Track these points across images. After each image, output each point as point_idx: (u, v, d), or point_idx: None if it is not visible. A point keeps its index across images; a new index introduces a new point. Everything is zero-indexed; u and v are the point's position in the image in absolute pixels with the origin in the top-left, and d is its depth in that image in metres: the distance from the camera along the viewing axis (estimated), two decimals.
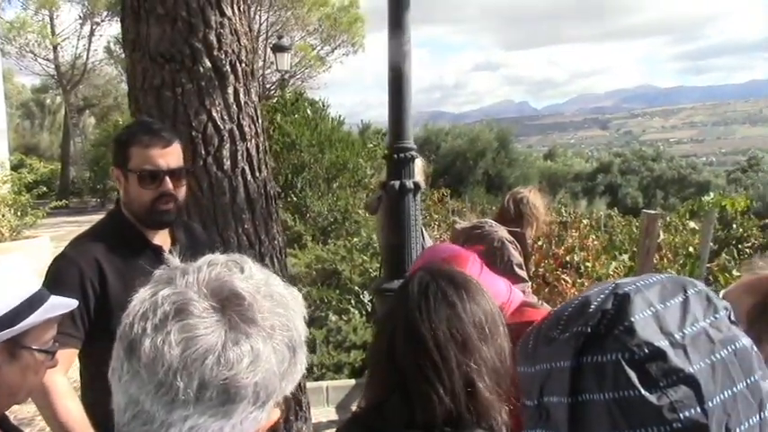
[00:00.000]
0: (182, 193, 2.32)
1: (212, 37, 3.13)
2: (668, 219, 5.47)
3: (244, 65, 3.26)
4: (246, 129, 3.25)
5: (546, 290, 5.99)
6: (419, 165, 5.00)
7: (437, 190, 14.97)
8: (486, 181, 35.32)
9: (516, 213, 3.82)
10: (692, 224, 4.63)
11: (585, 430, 0.76)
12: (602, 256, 6.32)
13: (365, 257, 7.41)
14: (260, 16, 23.26)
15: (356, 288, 6.77)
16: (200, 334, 0.87)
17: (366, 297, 6.65)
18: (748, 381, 0.76)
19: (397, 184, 4.69)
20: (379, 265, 5.87)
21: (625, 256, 6.36)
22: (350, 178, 11.19)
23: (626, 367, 0.73)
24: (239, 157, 3.21)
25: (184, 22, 3.09)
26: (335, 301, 6.50)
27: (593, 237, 7.14)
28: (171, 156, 2.25)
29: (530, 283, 3.96)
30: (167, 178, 2.23)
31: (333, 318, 6.15)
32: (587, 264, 6.32)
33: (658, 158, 46.60)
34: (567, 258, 6.52)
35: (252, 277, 0.95)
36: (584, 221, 8.35)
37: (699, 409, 0.71)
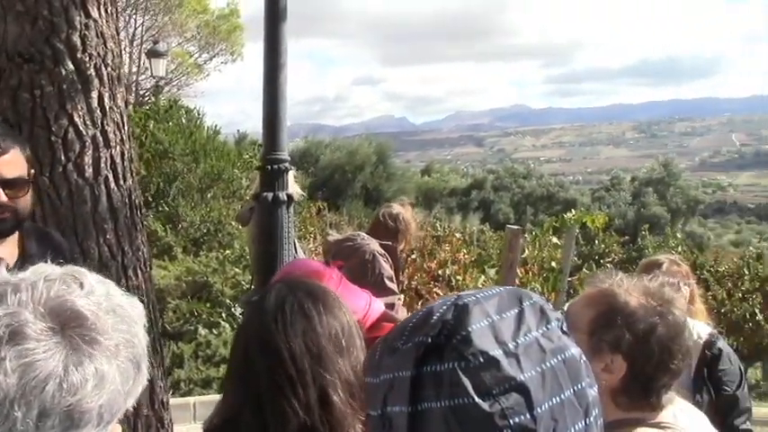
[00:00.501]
0: (23, 203, 2.20)
1: (76, 38, 3.00)
2: (534, 234, 5.70)
3: (110, 69, 3.15)
4: (111, 135, 3.14)
5: (419, 303, 6.09)
6: (293, 176, 4.98)
7: (314, 202, 14.94)
8: (365, 194, 35.58)
9: (388, 227, 3.87)
10: (554, 239, 4.86)
11: None
12: (472, 270, 6.49)
13: (238, 270, 7.30)
14: (135, 20, 22.50)
15: (227, 301, 6.65)
16: (38, 359, 0.81)
17: (237, 310, 6.54)
18: (575, 388, 0.79)
19: (270, 195, 4.65)
20: (251, 278, 5.79)
21: (493, 270, 6.56)
22: (224, 189, 11.00)
23: (461, 375, 0.76)
24: (102, 165, 3.09)
25: (46, 22, 2.94)
26: (206, 315, 6.36)
27: (465, 251, 7.35)
28: (7, 165, 2.11)
29: (400, 296, 4.02)
30: (1, 189, 2.10)
31: (202, 331, 6.01)
32: (458, 277, 6.48)
33: (529, 176, 48.52)
34: (440, 272, 6.67)
35: (93, 293, 0.90)
36: (457, 236, 8.57)
37: (528, 416, 0.75)
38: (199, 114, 13.19)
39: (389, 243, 3.82)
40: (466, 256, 6.99)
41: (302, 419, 1.30)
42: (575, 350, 0.83)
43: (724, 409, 2.93)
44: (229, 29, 25.21)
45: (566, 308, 1.55)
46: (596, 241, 14.39)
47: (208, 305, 6.54)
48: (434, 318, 0.81)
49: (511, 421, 0.74)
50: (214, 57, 25.76)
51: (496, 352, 0.77)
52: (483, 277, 6.05)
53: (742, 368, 3.06)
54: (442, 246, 7.63)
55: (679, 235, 16.49)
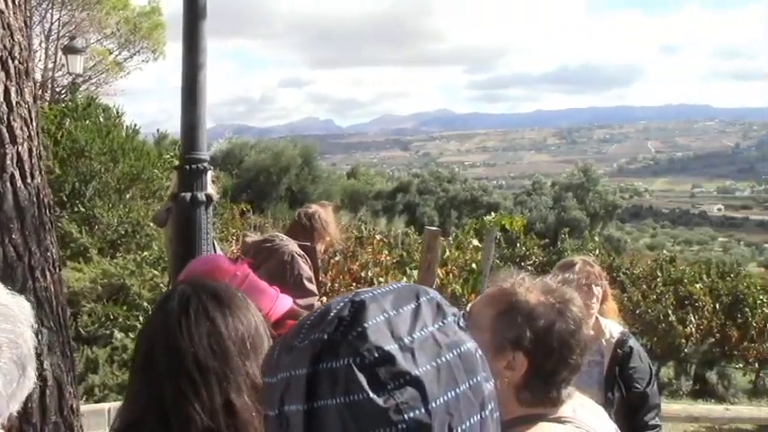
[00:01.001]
0: None
1: None
2: (455, 236, 5.76)
3: (17, 62, 3.02)
4: (18, 131, 3.01)
5: None
6: (211, 177, 4.89)
7: (237, 204, 14.76)
8: (290, 197, 35.33)
9: (305, 227, 3.85)
10: (475, 242, 4.92)
11: None
12: (394, 272, 6.52)
13: (156, 272, 7.13)
14: (52, 15, 21.77)
15: (145, 304, 6.49)
16: None
17: None
18: (471, 382, 0.80)
19: (188, 195, 4.56)
20: (168, 280, 5.68)
21: (416, 272, 6.60)
22: (144, 189, 10.74)
23: (356, 371, 0.75)
24: (8, 162, 2.96)
25: None
26: (122, 318, 6.19)
27: (386, 253, 7.38)
28: None
29: (318, 297, 4.00)
30: None
31: (118, 335, 5.85)
32: (380, 279, 6.50)
33: (453, 180, 49.08)
34: (362, 273, 6.67)
35: None
36: (378, 237, 8.60)
37: (423, 410, 0.75)
38: (118, 113, 12.84)
39: (308, 244, 3.80)
40: (388, 258, 7.02)
41: (206, 424, 1.27)
42: (471, 344, 0.83)
43: (635, 406, 3.02)
44: (151, 27, 24.64)
45: (468, 307, 1.58)
46: (518, 244, 14.64)
47: (124, 308, 6.37)
48: (331, 315, 0.81)
49: (406, 416, 0.74)
50: (135, 55, 25.11)
51: (392, 347, 0.76)
52: (405, 279, 6.08)
53: (652, 366, 3.15)
54: (364, 248, 7.65)
55: (597, 238, 16.95)
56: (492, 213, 4.87)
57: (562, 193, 45.56)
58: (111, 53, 24.56)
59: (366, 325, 0.77)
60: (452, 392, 0.77)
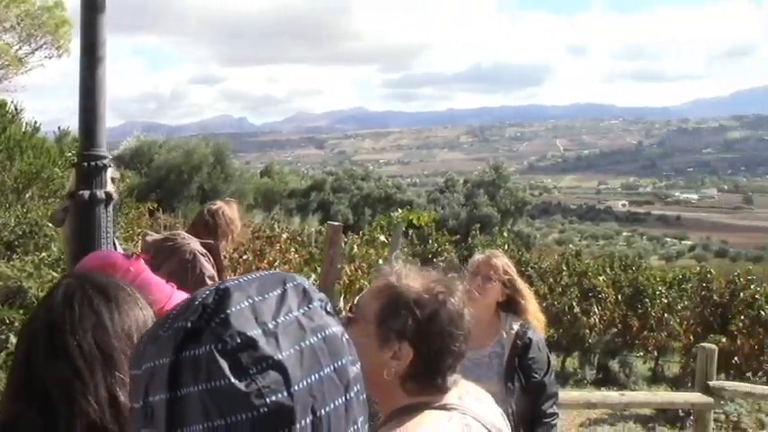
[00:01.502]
0: None
1: None
2: (363, 233, 5.78)
3: None
4: None
5: None
6: (111, 174, 4.75)
7: (144, 203, 14.40)
8: (201, 196, 34.73)
9: (207, 224, 3.79)
10: (382, 237, 4.96)
11: (182, 424, 0.77)
12: (303, 269, 6.51)
13: (55, 273, 6.85)
14: None
15: None
16: None
17: None
18: (336, 365, 0.81)
19: (86, 193, 4.41)
20: None
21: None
22: (43, 188, 10.32)
23: (218, 357, 0.75)
24: None
25: None
26: (18, 322, 5.93)
27: (294, 250, 7.35)
28: None
29: None
30: None
31: (14, 340, 5.60)
32: None
33: (367, 178, 49.31)
34: None
35: None
36: (284, 236, 8.56)
37: (285, 394, 0.75)
38: (16, 109, 12.30)
39: (211, 242, 3.75)
40: (296, 256, 7.00)
41: (92, 419, 1.24)
42: (336, 329, 0.84)
43: (533, 395, 3.11)
44: (57, 22, 23.75)
45: (356, 301, 1.60)
46: (429, 241, 14.85)
47: (21, 312, 6.10)
48: (196, 303, 0.81)
49: (267, 400, 0.75)
50: (37, 50, 24.13)
51: (255, 332, 0.77)
52: (314, 276, 6.07)
53: (550, 356, 3.25)
54: (273, 246, 7.61)
55: (506, 234, 17.34)
56: (398, 210, 4.92)
57: (474, 191, 46.38)
58: (11, 48, 23.55)
59: (229, 311, 0.78)
60: (316, 375, 0.78)
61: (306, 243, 12.48)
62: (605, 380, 10.94)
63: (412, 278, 1.49)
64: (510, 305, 3.26)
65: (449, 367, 1.47)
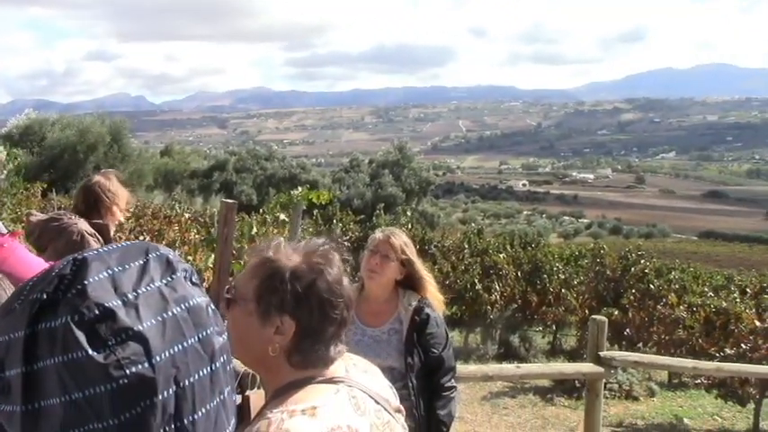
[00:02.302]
0: None
1: None
2: (262, 212, 5.68)
3: None
4: None
5: None
6: None
7: (33, 183, 13.78)
8: None
9: (90, 202, 3.63)
10: (282, 216, 4.88)
11: (39, 397, 0.74)
12: (203, 249, 6.38)
13: None
14: None
15: None
16: None
17: None
18: (200, 335, 0.79)
19: None
20: None
21: None
22: None
23: (75, 329, 0.73)
24: None
25: None
26: None
27: (195, 231, 7.20)
28: None
29: None
30: None
31: None
32: (189, 257, 6.34)
33: (271, 158, 48.74)
34: None
35: None
36: (186, 216, 8.35)
37: (146, 365, 0.73)
38: None
39: (100, 221, 3.60)
40: (196, 236, 6.86)
41: None
42: (201, 299, 0.82)
43: (432, 369, 3.15)
44: None
45: (233, 282, 1.58)
46: (334, 221, 14.84)
47: None
48: (52, 274, 0.77)
49: (127, 371, 0.72)
50: None
51: (114, 303, 0.74)
52: (213, 255, 5.96)
53: (448, 331, 3.30)
54: (171, 226, 7.42)
55: (409, 213, 17.49)
56: (297, 188, 4.86)
57: (379, 171, 46.57)
58: None
59: (87, 282, 0.75)
60: (179, 346, 0.76)
61: (208, 224, 12.25)
62: (506, 354, 11.22)
63: (288, 252, 1.48)
64: (408, 283, 3.29)
65: (332, 336, 1.46)
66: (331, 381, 1.45)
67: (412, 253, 3.28)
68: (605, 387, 9.28)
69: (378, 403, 1.50)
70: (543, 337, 13.31)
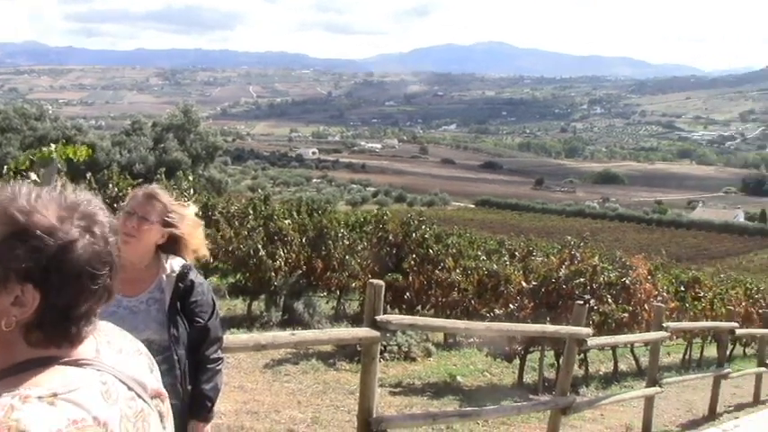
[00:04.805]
0: None
1: None
2: (7, 169, 5.01)
3: None
4: None
5: None
6: None
7: None
8: None
9: None
10: (33, 176, 4.29)
11: None
12: None
13: None
14: None
15: None
16: None
17: None
18: None
19: None
20: None
21: None
22: None
23: None
24: None
25: None
26: None
27: None
28: None
29: None
30: None
31: None
32: None
33: (42, 118, 44.97)
34: None
35: None
36: None
37: None
38: None
39: None
40: None
41: None
42: None
43: (197, 340, 2.90)
44: None
45: None
46: (110, 185, 13.92)
47: None
48: None
49: None
50: None
51: None
52: None
53: (215, 299, 3.05)
54: None
55: (191, 177, 16.81)
56: (50, 145, 4.30)
57: (163, 135, 44.63)
58: None
59: None
60: None
61: None
62: (290, 321, 11.14)
63: (41, 204, 1.16)
64: (172, 247, 3.00)
65: (86, 313, 1.18)
66: (77, 363, 1.17)
67: (177, 212, 2.99)
68: (385, 350, 9.54)
69: (131, 389, 1.24)
70: (327, 302, 13.42)
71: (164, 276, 2.92)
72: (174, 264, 2.95)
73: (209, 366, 2.92)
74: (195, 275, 2.97)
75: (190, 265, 3.00)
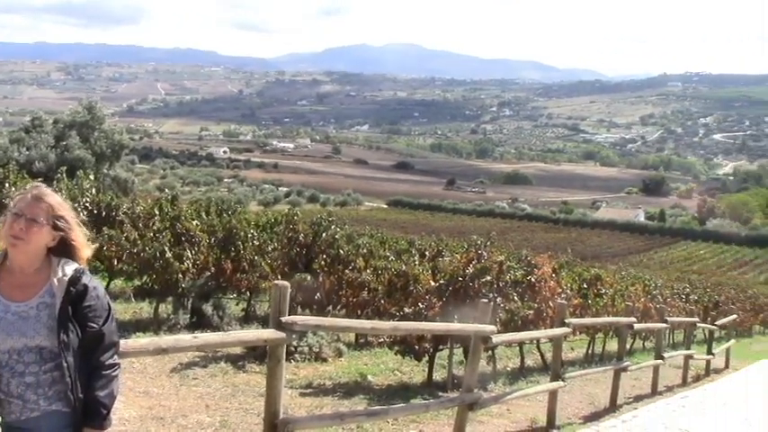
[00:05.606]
0: None
1: None
2: None
3: None
4: None
5: None
6: None
7: None
8: None
9: None
10: None
11: None
12: None
13: None
14: None
15: None
16: None
17: None
18: None
19: None
20: None
21: None
22: None
23: None
24: None
25: None
26: None
27: None
28: None
29: None
30: None
31: None
32: None
33: None
34: None
35: None
36: None
37: None
38: None
39: None
40: None
41: None
42: None
43: (91, 346, 2.80)
44: None
45: None
46: (6, 184, 13.33)
47: None
48: None
49: None
50: None
51: None
52: None
53: (111, 303, 2.94)
54: None
55: (92, 177, 16.22)
56: None
57: (65, 132, 42.92)
58: None
59: None
60: None
61: None
62: (199, 323, 10.90)
63: None
64: (63, 249, 2.88)
65: None
66: None
67: (68, 213, 2.88)
68: (296, 351, 9.46)
69: None
70: (237, 304, 13.21)
71: (55, 280, 2.81)
72: (66, 268, 2.84)
73: (104, 372, 2.82)
74: (89, 279, 2.86)
75: (83, 269, 2.89)
